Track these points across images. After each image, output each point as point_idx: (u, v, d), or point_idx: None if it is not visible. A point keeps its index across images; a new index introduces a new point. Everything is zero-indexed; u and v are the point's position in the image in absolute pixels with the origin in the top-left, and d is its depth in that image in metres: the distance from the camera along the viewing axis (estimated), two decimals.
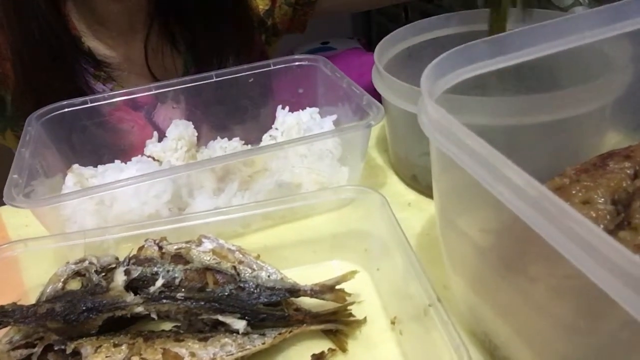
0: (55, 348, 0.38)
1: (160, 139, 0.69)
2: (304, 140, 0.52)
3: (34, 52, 0.66)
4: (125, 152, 0.66)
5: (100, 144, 0.65)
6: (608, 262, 0.24)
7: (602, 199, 0.39)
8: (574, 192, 0.39)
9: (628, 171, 0.40)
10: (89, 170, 0.58)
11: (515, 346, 0.37)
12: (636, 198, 0.36)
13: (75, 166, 0.57)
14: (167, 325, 0.43)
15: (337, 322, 0.42)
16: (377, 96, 0.56)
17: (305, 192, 0.54)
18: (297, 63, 0.66)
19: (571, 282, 0.31)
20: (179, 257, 0.43)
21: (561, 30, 0.42)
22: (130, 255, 0.43)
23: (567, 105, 0.46)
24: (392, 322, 0.43)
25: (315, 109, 0.64)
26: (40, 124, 0.58)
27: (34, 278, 0.47)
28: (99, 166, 0.57)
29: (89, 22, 0.71)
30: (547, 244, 0.28)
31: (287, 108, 0.65)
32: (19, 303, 0.40)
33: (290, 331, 0.41)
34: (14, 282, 0.47)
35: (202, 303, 0.40)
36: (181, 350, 0.37)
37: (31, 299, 0.45)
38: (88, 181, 0.56)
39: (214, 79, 0.64)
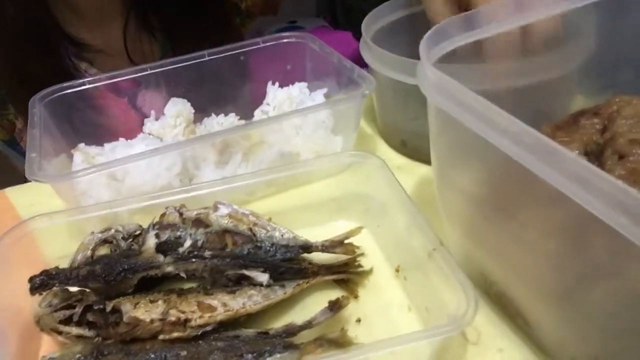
0: (95, 307, 0.41)
1: (142, 119, 0.71)
2: (302, 112, 0.56)
3: (16, 31, 0.67)
4: (112, 134, 0.69)
5: (95, 125, 0.67)
6: (595, 188, 0.29)
7: (577, 151, 0.44)
8: None
9: (597, 126, 0.46)
10: (93, 149, 0.60)
11: (509, 281, 0.43)
12: (607, 147, 0.41)
13: (81, 145, 0.60)
14: (190, 284, 0.46)
15: (347, 273, 0.47)
16: None
17: (307, 160, 0.58)
18: (285, 40, 0.69)
19: (559, 220, 0.37)
20: (199, 222, 0.47)
21: (538, 1, 0.47)
22: (154, 222, 0.46)
23: (541, 70, 0.52)
24: (397, 270, 0.48)
25: (304, 84, 0.68)
26: (43, 106, 0.59)
27: (52, 250, 0.49)
28: (105, 144, 0.59)
29: (67, 10, 0.72)
30: (538, 188, 0.33)
31: (277, 84, 0.69)
32: None
33: (307, 282, 0.45)
34: (34, 255, 0.49)
35: (228, 260, 0.43)
36: (214, 302, 0.41)
37: None
38: (94, 159, 0.59)
39: (206, 58, 0.67)
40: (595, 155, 0.44)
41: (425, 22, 0.68)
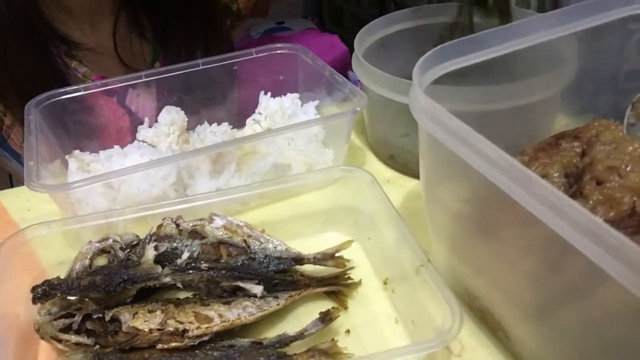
0: (94, 317, 0.43)
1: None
2: (296, 127, 0.58)
3: (5, 29, 0.68)
4: (103, 135, 0.69)
5: (85, 125, 0.68)
6: (567, 217, 0.31)
7: (557, 174, 0.47)
8: (533, 168, 0.47)
9: (577, 149, 0.48)
10: (88, 156, 0.61)
11: (492, 297, 0.45)
12: (586, 172, 0.44)
13: (77, 152, 0.60)
14: (186, 294, 0.48)
15: (337, 285, 0.49)
16: None
17: (299, 173, 0.59)
18: (278, 51, 0.70)
19: (536, 241, 0.39)
20: (195, 233, 0.48)
21: (523, 30, 0.49)
22: (152, 233, 0.48)
23: (525, 94, 0.55)
24: (385, 283, 0.50)
25: (296, 95, 0.69)
26: (38, 111, 0.60)
27: (50, 258, 0.50)
28: (100, 152, 0.60)
29: (57, 8, 0.73)
30: (516, 210, 0.35)
31: (269, 94, 0.70)
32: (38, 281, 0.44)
33: (299, 294, 0.47)
34: (32, 261, 0.50)
35: (224, 272, 0.45)
36: (210, 312, 0.43)
37: (49, 276, 0.49)
38: (89, 166, 0.60)
39: (200, 67, 0.68)
40: (575, 178, 0.46)
41: (418, 36, 0.71)
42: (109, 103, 0.73)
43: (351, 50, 0.63)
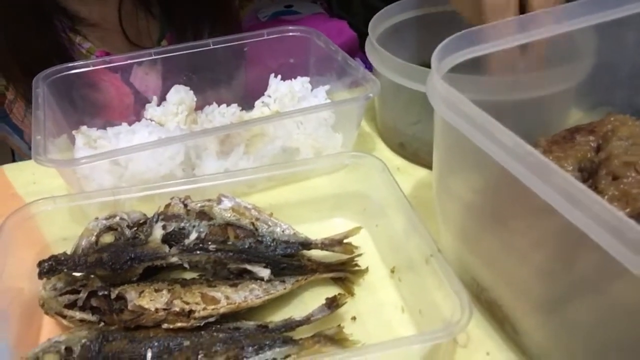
0: (99, 294, 0.42)
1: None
2: (306, 111, 0.57)
3: (10, 5, 0.67)
4: (107, 112, 0.69)
5: (90, 101, 0.67)
6: (584, 207, 0.31)
7: (571, 167, 0.46)
8: None
9: (592, 144, 0.48)
10: (95, 132, 0.60)
11: (500, 289, 0.45)
12: (602, 167, 0.43)
13: (84, 128, 0.60)
14: (192, 275, 0.47)
15: (344, 271, 0.48)
16: None
17: (309, 158, 0.59)
18: (290, 34, 0.69)
19: (549, 232, 0.39)
20: (202, 214, 0.48)
21: (541, 21, 0.48)
22: (159, 212, 0.47)
23: (540, 86, 0.54)
24: (392, 271, 0.49)
25: (307, 79, 0.68)
26: (46, 85, 0.59)
27: (54, 233, 0.50)
28: (108, 129, 0.60)
29: None
30: (529, 200, 0.35)
31: (279, 77, 0.69)
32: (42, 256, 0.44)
33: (306, 279, 0.47)
34: (36, 236, 0.50)
35: (231, 254, 0.45)
36: (217, 294, 0.42)
37: (53, 252, 0.49)
38: (96, 142, 0.59)
39: (211, 47, 0.67)
40: (589, 172, 0.46)
41: (432, 23, 0.70)
42: (113, 80, 0.73)
43: (359, 36, 0.62)
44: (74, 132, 0.60)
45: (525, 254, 0.41)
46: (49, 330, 0.45)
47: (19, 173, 0.62)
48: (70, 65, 0.62)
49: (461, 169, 0.47)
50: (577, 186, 0.32)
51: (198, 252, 0.44)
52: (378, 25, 0.65)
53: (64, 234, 0.50)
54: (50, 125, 0.56)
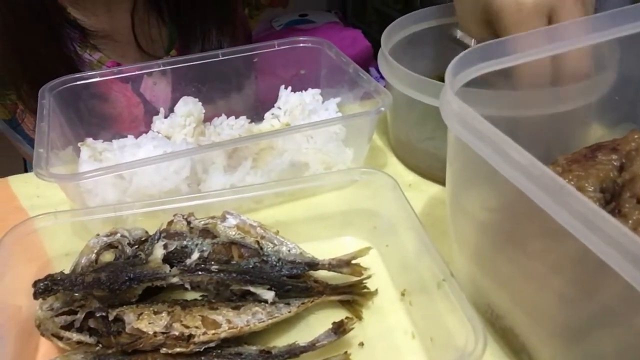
0: (97, 315, 0.41)
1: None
2: (316, 125, 0.55)
3: (18, 17, 0.66)
4: (116, 122, 0.68)
5: (99, 112, 0.66)
6: (603, 233, 0.29)
7: (592, 187, 0.44)
8: (566, 180, 0.44)
9: (615, 163, 0.45)
10: (101, 144, 0.59)
11: (516, 316, 0.42)
12: (626, 190, 0.41)
13: (90, 140, 0.59)
14: (194, 295, 0.46)
15: (352, 294, 0.46)
16: None
17: (318, 174, 0.57)
18: (301, 45, 0.68)
19: (568, 257, 0.36)
20: (206, 232, 0.46)
21: (562, 34, 0.46)
22: (161, 229, 0.46)
23: (559, 101, 0.51)
24: (402, 294, 0.47)
25: (317, 90, 0.67)
26: (52, 97, 0.58)
27: (56, 248, 0.49)
28: (113, 141, 0.58)
29: None
30: (546, 222, 0.33)
31: (289, 88, 0.68)
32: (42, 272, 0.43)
33: (312, 301, 0.45)
34: (38, 251, 0.48)
35: (234, 275, 0.43)
36: (218, 317, 0.41)
37: (55, 268, 0.48)
38: (101, 155, 0.58)
39: (220, 58, 0.66)
40: (612, 193, 0.43)
41: (444, 34, 0.68)
42: (123, 90, 0.72)
43: (374, 46, 0.61)
44: (79, 144, 0.59)
45: (544, 279, 0.39)
46: (46, 351, 0.44)
47: (24, 185, 0.61)
48: (77, 76, 0.61)
49: (476, 188, 0.45)
50: (596, 211, 0.30)
51: (200, 272, 0.43)
52: (391, 36, 0.63)
53: (66, 249, 0.49)
54: (55, 137, 0.55)
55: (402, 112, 0.60)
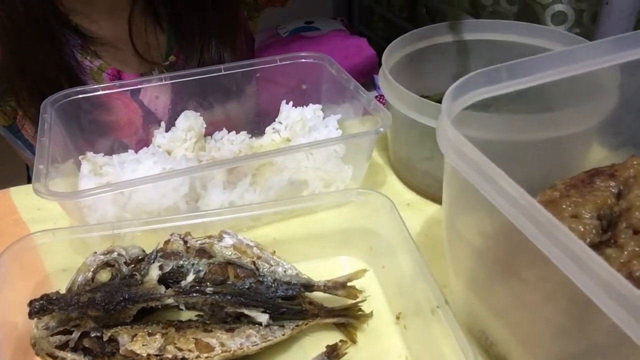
0: (92, 335, 0.41)
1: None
2: (316, 145, 0.55)
3: (18, 25, 0.66)
4: (115, 129, 0.68)
5: (99, 121, 0.66)
6: (590, 272, 0.29)
7: (589, 215, 0.44)
8: (564, 206, 0.44)
9: (613, 190, 0.45)
10: (101, 158, 0.60)
11: (510, 344, 0.42)
12: (622, 219, 0.41)
13: (90, 154, 0.59)
14: (189, 315, 0.46)
15: (347, 316, 0.46)
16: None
17: (315, 194, 0.57)
18: (303, 60, 0.68)
19: (560, 287, 0.36)
20: (202, 252, 0.46)
21: (563, 59, 0.46)
22: (158, 249, 0.46)
23: (561, 125, 0.51)
24: (397, 317, 0.47)
25: (319, 106, 0.67)
26: (54, 110, 0.59)
27: (54, 264, 0.49)
28: (113, 156, 0.59)
29: (74, 1, 0.71)
30: (537, 253, 0.33)
31: (290, 103, 0.68)
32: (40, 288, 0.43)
33: (306, 324, 0.45)
34: (36, 266, 0.49)
35: (229, 297, 0.43)
36: (211, 340, 0.41)
37: (52, 284, 0.48)
38: (102, 169, 0.58)
39: (222, 72, 0.66)
40: (609, 221, 0.43)
41: (448, 52, 0.68)
42: (122, 97, 0.72)
43: (380, 53, 0.61)
44: (80, 157, 0.59)
45: (538, 308, 0.39)
46: None
47: (25, 197, 0.62)
48: (79, 89, 0.61)
49: (470, 213, 0.45)
50: (581, 247, 0.30)
51: (194, 294, 0.43)
52: (392, 54, 0.63)
53: (64, 265, 0.49)
54: (56, 150, 0.55)
55: (402, 131, 0.60)
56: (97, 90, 0.62)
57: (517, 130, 0.50)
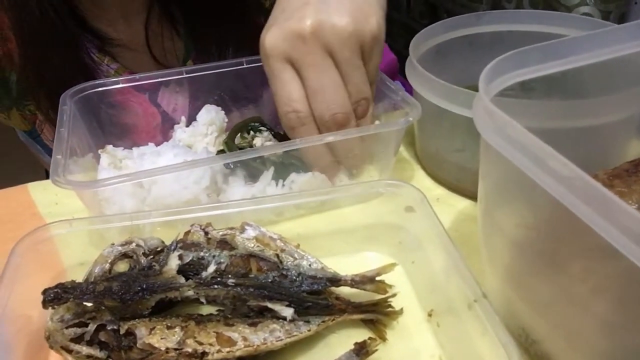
0: (108, 328, 0.39)
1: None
2: (340, 135, 0.53)
3: (34, 27, 0.65)
4: (133, 132, 0.67)
5: (117, 122, 0.65)
6: None
7: (636, 205, 0.41)
8: None
9: None
10: (121, 152, 0.58)
11: (554, 342, 0.39)
12: None
13: (110, 147, 0.58)
14: (209, 309, 0.44)
15: (376, 313, 0.44)
16: None
17: (341, 186, 0.55)
18: None
19: (614, 279, 0.33)
20: (224, 243, 0.44)
21: (602, 41, 0.44)
22: (178, 239, 0.44)
23: (599, 113, 0.48)
24: (429, 315, 0.44)
25: None
26: (73, 103, 0.58)
27: (72, 257, 0.47)
28: (134, 149, 0.57)
29: (89, 3, 0.70)
30: (591, 240, 0.30)
31: None
32: (56, 282, 0.41)
33: (333, 319, 0.42)
34: (53, 259, 0.47)
35: (252, 290, 0.41)
36: (233, 334, 0.39)
37: (69, 278, 0.46)
38: (121, 162, 0.57)
39: (245, 66, 0.64)
40: None
41: (477, 44, 0.66)
42: (140, 100, 0.71)
43: (400, 60, 0.59)
44: (99, 151, 0.58)
45: (586, 303, 0.36)
46: None
47: (43, 192, 0.61)
48: (98, 82, 0.60)
49: (511, 203, 0.42)
50: None
51: (216, 286, 0.41)
52: (419, 45, 0.61)
53: (81, 258, 0.47)
54: (75, 143, 0.54)
55: (431, 123, 0.58)
56: (117, 83, 0.61)
57: (551, 118, 0.47)
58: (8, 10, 0.65)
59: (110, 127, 0.63)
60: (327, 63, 0.49)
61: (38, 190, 0.61)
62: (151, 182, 0.51)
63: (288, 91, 0.50)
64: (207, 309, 0.44)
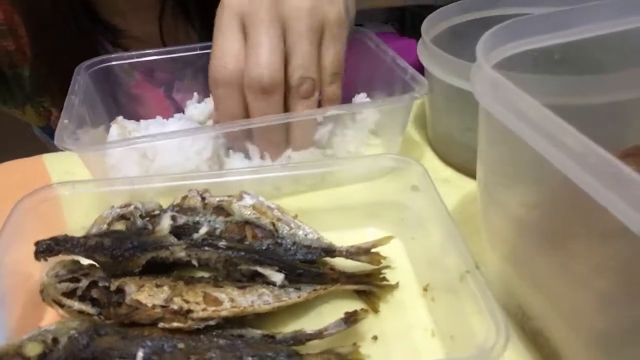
0: (100, 285, 0.39)
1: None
2: (344, 109, 0.53)
3: (46, 20, 0.66)
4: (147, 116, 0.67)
5: (133, 112, 0.66)
6: None
7: None
8: None
9: None
10: (131, 124, 0.59)
11: (549, 319, 0.38)
12: None
13: (120, 118, 0.59)
14: (202, 274, 0.44)
15: (370, 284, 0.43)
16: None
17: (343, 158, 0.54)
18: None
19: (619, 256, 0.32)
20: (220, 209, 0.44)
21: (618, 10, 0.42)
22: (175, 203, 0.44)
23: (614, 88, 0.46)
24: (425, 289, 0.43)
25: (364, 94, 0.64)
26: (88, 75, 0.59)
27: (75, 220, 0.48)
28: (141, 120, 0.58)
29: None
30: (596, 219, 0.28)
31: None
32: None
33: (325, 288, 0.42)
34: (57, 222, 0.48)
35: (243, 253, 0.41)
36: (221, 295, 0.38)
37: None
38: (130, 134, 0.58)
39: None
40: None
41: (490, 26, 0.64)
42: (155, 95, 0.71)
43: None
44: (111, 123, 0.59)
45: (587, 280, 0.34)
46: (50, 320, 0.43)
47: (57, 161, 0.62)
48: (114, 56, 0.61)
49: (512, 179, 0.41)
50: None
51: (207, 248, 0.41)
52: (433, 25, 0.60)
53: (84, 222, 0.48)
54: (85, 112, 0.55)
55: (441, 101, 0.57)
56: (132, 57, 0.62)
57: (562, 94, 0.45)
58: (19, 3, 0.66)
59: (125, 114, 0.63)
60: (275, 26, 0.47)
61: (53, 161, 0.62)
62: (155, 152, 0.51)
63: (227, 47, 0.48)
64: (200, 274, 0.44)
